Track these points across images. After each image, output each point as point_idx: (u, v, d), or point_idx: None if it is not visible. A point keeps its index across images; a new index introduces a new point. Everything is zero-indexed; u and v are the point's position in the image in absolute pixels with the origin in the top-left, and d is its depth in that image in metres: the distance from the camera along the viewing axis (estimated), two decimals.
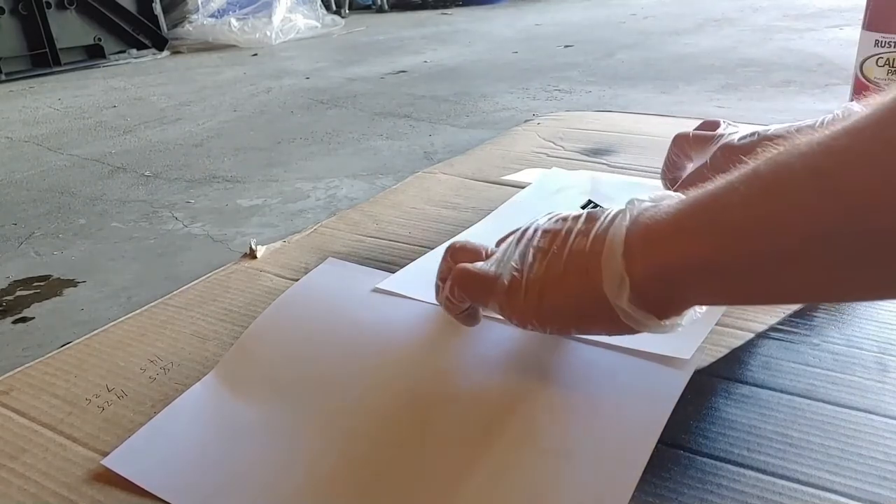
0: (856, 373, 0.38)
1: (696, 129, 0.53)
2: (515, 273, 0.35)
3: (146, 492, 0.34)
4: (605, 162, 0.74)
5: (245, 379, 0.41)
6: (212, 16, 3.24)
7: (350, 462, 0.35)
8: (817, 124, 0.45)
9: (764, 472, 0.32)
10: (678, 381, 0.37)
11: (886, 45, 0.71)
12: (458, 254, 0.41)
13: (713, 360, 0.40)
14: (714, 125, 0.52)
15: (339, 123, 1.78)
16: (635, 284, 0.31)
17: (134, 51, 3.05)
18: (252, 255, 0.58)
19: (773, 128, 0.47)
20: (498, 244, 0.40)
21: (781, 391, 0.37)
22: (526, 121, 1.00)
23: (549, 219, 0.36)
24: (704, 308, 0.34)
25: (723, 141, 0.49)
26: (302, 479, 0.34)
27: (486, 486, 0.32)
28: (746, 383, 0.38)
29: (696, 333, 0.41)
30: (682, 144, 0.54)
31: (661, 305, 0.31)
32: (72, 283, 1.00)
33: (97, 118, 2.04)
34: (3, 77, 2.69)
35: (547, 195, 0.65)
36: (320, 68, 2.56)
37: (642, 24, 2.93)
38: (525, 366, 0.39)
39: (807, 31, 2.44)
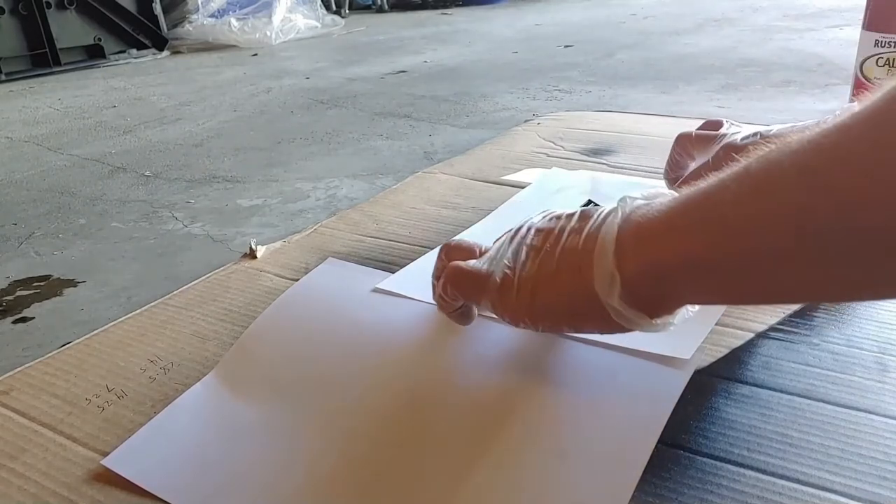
0: (856, 373, 0.38)
1: (699, 128, 0.53)
2: (508, 271, 0.35)
3: (146, 492, 0.34)
4: (605, 162, 0.74)
5: (245, 379, 0.41)
6: (212, 16, 3.24)
7: (350, 462, 0.35)
8: (818, 124, 0.44)
9: (764, 472, 0.32)
10: (678, 381, 0.37)
11: (886, 45, 0.71)
12: (451, 252, 0.41)
13: (713, 360, 0.40)
14: (717, 125, 0.52)
15: (339, 123, 1.78)
16: (626, 282, 0.31)
17: (134, 51, 3.05)
18: (252, 255, 0.58)
19: (775, 128, 0.47)
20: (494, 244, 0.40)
21: (781, 391, 0.37)
22: (526, 121, 1.00)
23: (543, 217, 0.36)
24: (697, 307, 0.33)
25: (725, 141, 0.49)
26: (302, 479, 0.34)
27: (486, 486, 0.32)
28: (746, 383, 0.38)
29: (696, 333, 0.41)
30: (684, 144, 0.54)
31: (652, 304, 0.31)
32: (72, 283, 1.00)
33: (97, 118, 2.04)
34: (3, 77, 2.69)
35: (547, 195, 0.65)
36: (320, 68, 2.56)
37: (642, 24, 2.93)
38: (525, 366, 0.39)
39: (807, 31, 2.44)
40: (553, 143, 0.82)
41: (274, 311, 0.47)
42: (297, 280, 0.52)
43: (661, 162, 0.57)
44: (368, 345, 0.43)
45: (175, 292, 0.53)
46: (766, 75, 1.87)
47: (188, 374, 0.43)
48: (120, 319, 0.49)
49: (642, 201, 0.32)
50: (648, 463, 0.32)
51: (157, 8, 3.06)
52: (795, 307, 0.44)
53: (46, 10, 2.71)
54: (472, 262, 0.38)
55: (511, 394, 0.37)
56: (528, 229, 0.36)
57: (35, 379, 0.43)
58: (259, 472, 0.34)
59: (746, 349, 0.41)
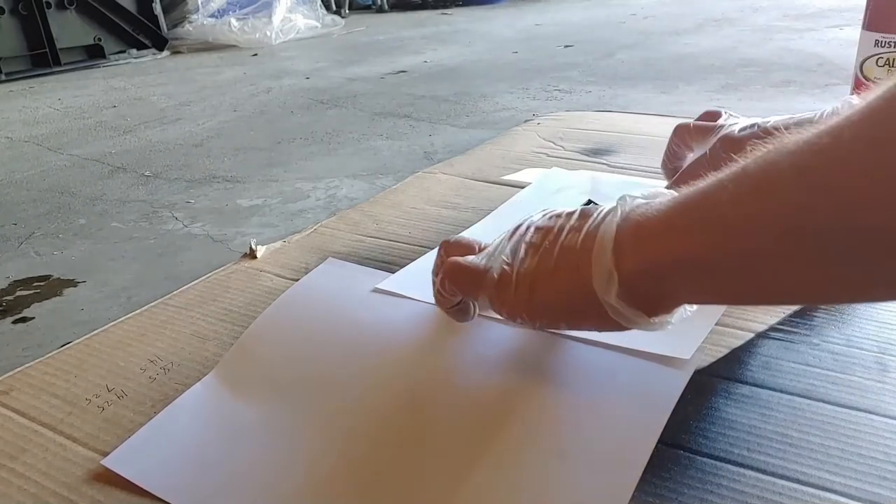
0: (856, 373, 0.38)
1: (698, 119, 0.53)
2: (506, 267, 0.35)
3: (146, 492, 0.34)
4: (605, 162, 0.74)
5: (245, 379, 0.41)
6: (212, 16, 3.24)
7: (350, 462, 0.35)
8: (816, 117, 0.45)
9: (764, 472, 0.32)
10: (678, 381, 0.37)
11: (886, 45, 0.71)
12: (450, 248, 0.41)
13: (713, 360, 0.40)
14: (715, 115, 0.52)
15: (339, 123, 1.78)
16: (624, 280, 0.31)
17: (134, 51, 3.05)
18: (252, 255, 0.58)
19: (772, 119, 0.47)
20: None
21: (781, 391, 0.37)
22: (526, 121, 1.00)
23: (543, 215, 0.36)
24: (695, 306, 0.34)
25: (723, 132, 0.49)
26: (302, 479, 0.34)
27: (486, 486, 0.32)
28: (746, 383, 0.38)
29: (696, 333, 0.41)
30: (682, 135, 0.54)
31: (650, 302, 0.31)
32: (72, 283, 1.01)
33: (97, 118, 2.04)
34: (3, 77, 2.69)
35: (547, 195, 0.65)
36: (320, 68, 2.56)
37: (642, 24, 2.93)
38: (525, 366, 0.39)
39: (807, 31, 2.44)
40: (553, 143, 0.82)
41: (274, 311, 0.47)
42: (297, 280, 0.52)
43: (661, 162, 0.57)
44: (368, 345, 0.43)
45: (175, 292, 0.53)
46: (766, 75, 1.87)
47: (188, 374, 0.43)
48: (120, 319, 0.49)
49: (642, 200, 0.32)
50: (648, 463, 0.32)
51: (157, 8, 3.06)
52: (795, 307, 0.44)
53: (46, 10, 2.71)
54: (470, 258, 0.38)
55: (511, 394, 0.37)
56: (528, 227, 0.36)
57: (35, 379, 0.43)
58: (259, 472, 0.34)
59: (746, 349, 0.41)
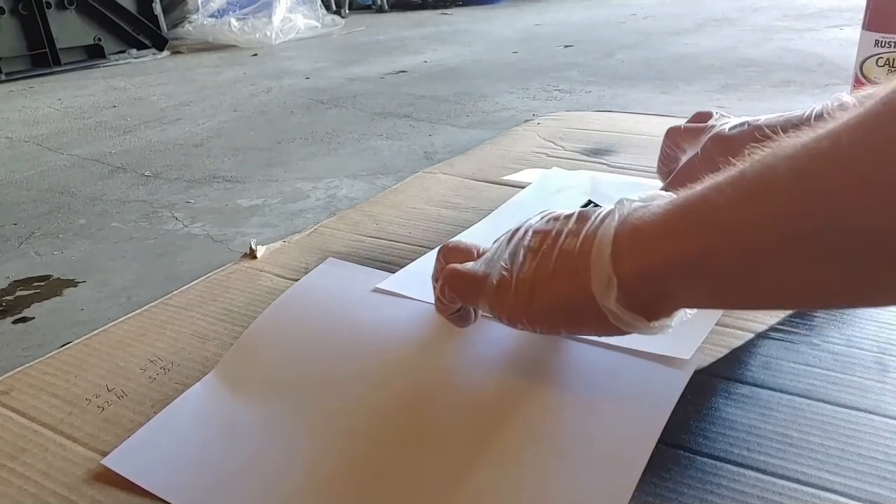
0: (856, 373, 0.38)
1: (689, 121, 0.54)
2: (505, 272, 0.35)
3: (146, 492, 0.34)
4: (605, 162, 0.74)
5: (245, 379, 0.41)
6: (212, 16, 3.24)
7: (350, 462, 0.35)
8: (806, 115, 0.45)
9: (764, 472, 0.32)
10: (678, 381, 0.37)
11: (886, 45, 0.71)
12: (449, 254, 0.41)
13: (713, 360, 0.40)
14: (706, 117, 0.52)
15: (339, 123, 1.78)
16: (623, 285, 0.31)
17: (134, 51, 3.05)
18: (252, 255, 0.58)
19: (763, 118, 0.47)
20: None
21: (781, 391, 0.37)
22: (526, 121, 1.00)
23: (541, 218, 0.36)
24: (694, 310, 0.33)
25: (713, 131, 0.49)
26: (302, 479, 0.34)
27: (486, 486, 0.32)
28: (746, 383, 0.38)
29: (696, 333, 0.41)
30: (674, 137, 0.54)
31: (649, 307, 0.31)
32: (72, 283, 1.01)
33: (97, 118, 2.04)
34: (3, 77, 2.69)
35: (547, 195, 0.65)
36: (320, 68, 2.56)
37: (642, 24, 2.93)
38: (525, 366, 0.39)
39: (807, 31, 2.44)
40: (553, 143, 0.82)
41: (274, 311, 0.47)
42: (297, 280, 0.52)
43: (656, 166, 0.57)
44: (368, 345, 0.43)
45: (175, 292, 0.53)
46: (766, 75, 1.87)
47: (188, 374, 0.43)
48: (120, 319, 0.49)
49: (639, 204, 0.32)
50: (648, 463, 0.32)
51: (157, 8, 3.06)
52: None
53: (46, 10, 2.71)
54: (469, 265, 0.38)
55: (511, 393, 0.37)
56: (526, 231, 0.36)
57: (35, 379, 0.43)
58: (259, 472, 0.34)
59: (746, 349, 0.41)
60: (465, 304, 0.40)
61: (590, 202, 0.60)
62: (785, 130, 0.31)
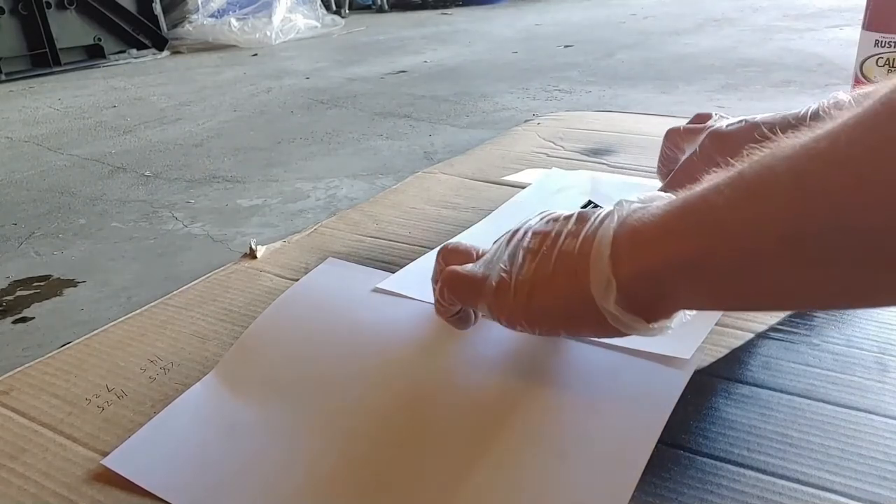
0: (856, 373, 0.38)
1: (689, 122, 0.54)
2: (504, 274, 0.35)
3: (146, 492, 0.34)
4: (605, 162, 0.74)
5: (245, 379, 0.41)
6: (212, 16, 3.24)
7: (350, 462, 0.35)
8: (802, 114, 0.45)
9: (764, 472, 0.32)
10: (678, 381, 0.37)
11: (886, 45, 0.71)
12: (449, 256, 0.41)
13: (713, 360, 0.40)
14: (705, 118, 0.52)
15: (339, 123, 1.78)
16: (622, 286, 0.31)
17: (134, 51, 3.05)
18: (252, 255, 0.58)
19: (759, 116, 0.47)
20: None
21: (781, 391, 0.37)
22: (526, 121, 1.00)
23: (541, 219, 0.36)
24: (694, 311, 0.33)
25: (711, 129, 0.49)
26: (302, 479, 0.34)
27: (486, 486, 0.32)
28: (746, 383, 0.38)
29: (696, 333, 0.41)
30: (674, 138, 0.54)
31: (648, 308, 0.31)
32: (72, 283, 1.01)
33: (97, 118, 2.04)
34: (3, 77, 2.69)
35: (547, 195, 0.65)
36: (320, 68, 2.56)
37: (642, 24, 2.93)
38: (525, 366, 0.39)
39: (807, 31, 2.44)
40: (553, 143, 0.82)
41: (274, 311, 0.47)
42: (297, 280, 0.52)
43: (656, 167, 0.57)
44: (368, 345, 0.43)
45: (175, 292, 0.53)
46: (766, 75, 1.87)
47: (188, 374, 0.43)
48: (120, 319, 0.49)
49: (639, 205, 0.32)
50: (648, 463, 0.32)
51: (157, 8, 3.06)
52: None
53: (46, 10, 2.71)
54: (468, 266, 0.38)
55: (511, 394, 0.37)
56: (525, 232, 0.36)
57: (35, 379, 0.43)
58: (259, 472, 0.34)
59: (746, 349, 0.41)
60: (465, 307, 0.40)
61: (590, 202, 0.60)
62: (782, 128, 0.31)
